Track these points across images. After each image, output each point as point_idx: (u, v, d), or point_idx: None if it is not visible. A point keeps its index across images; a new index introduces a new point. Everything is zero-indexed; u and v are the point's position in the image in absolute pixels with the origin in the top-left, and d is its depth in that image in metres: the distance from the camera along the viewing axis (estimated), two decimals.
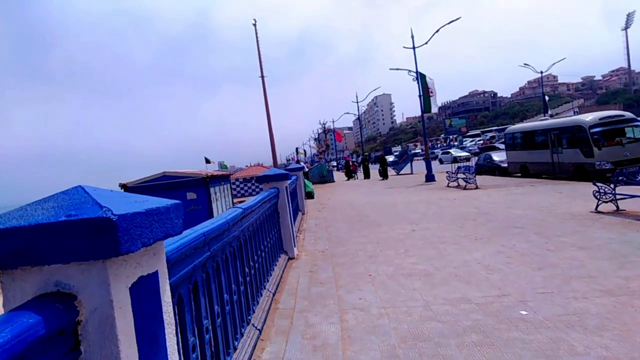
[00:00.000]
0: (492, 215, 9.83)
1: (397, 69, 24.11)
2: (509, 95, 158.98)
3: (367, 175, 30.93)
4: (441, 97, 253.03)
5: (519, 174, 21.40)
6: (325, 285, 5.34)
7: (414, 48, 22.64)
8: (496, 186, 16.48)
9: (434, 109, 23.33)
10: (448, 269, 5.71)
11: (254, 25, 39.40)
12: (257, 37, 39.34)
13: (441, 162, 38.10)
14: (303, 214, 12.24)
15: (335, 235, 8.87)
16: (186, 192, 14.32)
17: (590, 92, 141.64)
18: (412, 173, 31.58)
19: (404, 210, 11.75)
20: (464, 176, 17.63)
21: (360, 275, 5.73)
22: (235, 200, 44.54)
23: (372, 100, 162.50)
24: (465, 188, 16.51)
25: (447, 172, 19.09)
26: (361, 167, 32.99)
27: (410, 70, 23.10)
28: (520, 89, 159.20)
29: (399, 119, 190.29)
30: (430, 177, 22.00)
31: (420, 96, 22.88)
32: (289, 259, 6.75)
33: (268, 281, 5.15)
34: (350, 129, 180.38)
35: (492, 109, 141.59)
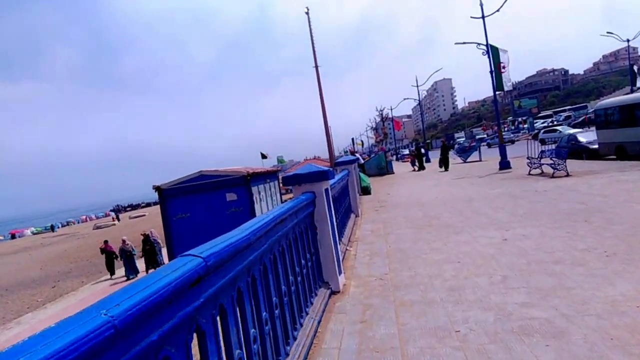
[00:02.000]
0: (609, 213, 7.25)
1: (464, 43, 21.25)
2: (582, 72, 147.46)
3: (421, 167, 28.21)
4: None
5: (614, 157, 18.05)
6: (385, 356, 3.23)
7: (483, 17, 19.71)
8: (592, 172, 13.53)
9: (507, 86, 20.31)
10: (589, 320, 3.42)
11: (307, 13, 37.85)
12: (310, 26, 37.75)
13: (543, 142, 31.75)
14: (357, 216, 10.15)
15: (398, 249, 6.70)
16: (225, 193, 12.70)
17: None
18: (480, 160, 28.53)
19: (485, 208, 9.33)
20: (550, 161, 14.76)
21: (441, 331, 3.56)
22: (288, 196, 43.31)
23: (432, 85, 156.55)
24: (553, 176, 13.67)
25: (528, 158, 16.19)
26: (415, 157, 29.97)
27: (479, 44, 20.19)
28: (594, 64, 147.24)
29: (461, 103, 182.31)
30: (505, 164, 19.11)
31: (491, 72, 19.95)
32: (332, 293, 4.69)
33: (291, 345, 3.18)
34: (409, 116, 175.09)
35: (563, 88, 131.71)
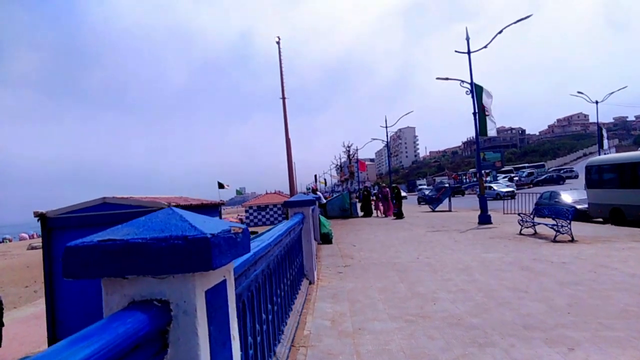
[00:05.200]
0: None
1: (447, 79, 18.93)
2: (537, 133, 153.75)
3: (367, 213, 25.29)
4: (466, 132, 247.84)
5: (602, 221, 15.95)
6: None
7: (469, 53, 17.53)
8: (600, 239, 11.06)
9: (492, 131, 18.01)
10: None
11: (278, 43, 35.94)
12: (280, 56, 35.76)
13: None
14: (310, 282, 6.88)
15: None
16: None
17: (624, 132, 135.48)
18: (450, 210, 26.09)
19: (499, 288, 6.33)
20: (549, 221, 12.19)
21: None
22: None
23: (396, 132, 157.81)
24: (555, 240, 11.05)
25: (520, 215, 13.60)
26: (361, 200, 26.75)
27: (463, 81, 17.92)
28: (549, 126, 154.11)
29: (422, 152, 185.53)
30: (485, 218, 16.55)
31: (474, 113, 17.61)
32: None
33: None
34: (372, 160, 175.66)
35: (520, 146, 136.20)
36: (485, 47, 17.73)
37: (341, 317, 5.18)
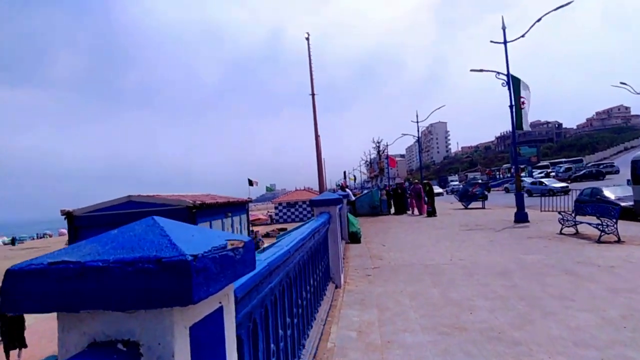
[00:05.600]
0: None
1: (482, 70, 18.13)
2: (575, 127, 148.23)
3: (398, 210, 24.22)
4: (499, 127, 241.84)
5: None
6: None
7: (505, 43, 16.73)
8: None
9: (526, 126, 17.14)
10: None
11: (307, 39, 35.81)
12: (309, 52, 35.60)
13: (530, 194, 30.35)
14: (337, 286, 6.51)
15: None
16: None
17: None
18: (483, 207, 25.22)
19: (542, 296, 5.78)
20: (593, 220, 11.43)
21: None
22: (276, 226, 39.50)
23: (427, 127, 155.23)
24: (600, 240, 10.33)
25: (560, 213, 12.85)
26: (392, 198, 25.33)
27: (499, 72, 17.13)
28: (587, 120, 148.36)
29: (454, 147, 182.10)
30: (522, 216, 15.79)
31: (511, 106, 16.81)
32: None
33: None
34: (402, 156, 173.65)
35: (556, 141, 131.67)
36: (522, 36, 16.89)
37: (369, 327, 4.80)
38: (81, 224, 9.12)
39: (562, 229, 12.33)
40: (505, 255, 9.08)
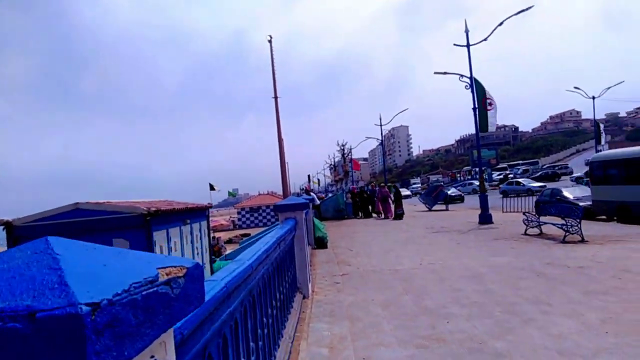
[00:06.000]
0: None
1: (445, 73, 18.19)
2: (530, 130, 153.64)
3: (364, 213, 23.67)
4: (460, 130, 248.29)
5: (607, 218, 15.38)
6: None
7: (468, 46, 16.83)
8: (611, 239, 10.42)
9: (492, 127, 17.31)
10: None
11: (269, 42, 35.36)
12: (272, 55, 35.16)
13: (506, 195, 29.00)
14: (304, 297, 6.09)
15: None
16: (112, 239, 8.43)
17: (616, 128, 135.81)
18: (447, 209, 25.46)
19: (517, 301, 5.52)
20: (557, 221, 11.50)
21: None
22: (239, 232, 38.59)
23: (390, 131, 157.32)
24: (564, 240, 10.38)
25: (525, 214, 12.92)
26: (357, 201, 24.33)
27: (462, 75, 17.23)
28: (542, 123, 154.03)
29: (416, 151, 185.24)
30: (486, 218, 15.86)
31: (474, 109, 16.92)
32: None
33: None
34: (365, 159, 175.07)
35: (513, 144, 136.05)
36: (485, 39, 17.05)
37: (341, 341, 4.40)
38: (21, 234, 8.32)
39: (526, 230, 12.38)
40: (474, 258, 8.91)
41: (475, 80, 17.09)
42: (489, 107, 16.90)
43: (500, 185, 42.30)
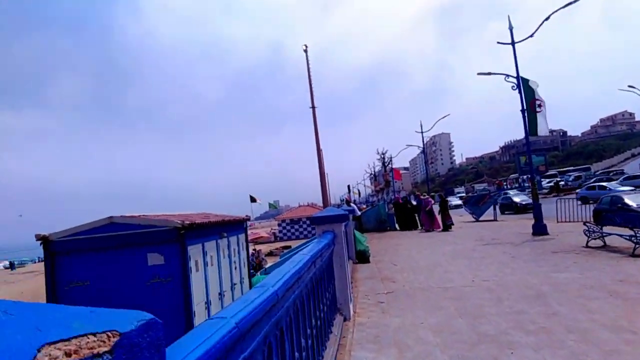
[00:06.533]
0: None
1: (490, 73, 17.31)
2: (579, 134, 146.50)
3: (408, 225, 22.12)
4: (505, 136, 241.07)
5: None
6: None
7: (513, 43, 15.91)
8: None
9: (543, 130, 16.20)
10: None
11: (305, 51, 35.34)
12: (308, 64, 35.09)
13: (586, 201, 24.49)
14: (346, 319, 5.51)
15: None
16: (147, 253, 8.19)
17: None
18: (495, 219, 24.12)
19: (594, 327, 4.73)
20: (625, 231, 10.39)
21: None
22: (280, 244, 38.41)
23: (431, 139, 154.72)
24: (634, 254, 9.31)
25: (586, 224, 11.83)
26: (402, 212, 22.82)
27: (508, 75, 16.29)
28: (591, 127, 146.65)
29: (458, 159, 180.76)
30: (540, 229, 14.75)
31: (522, 111, 15.91)
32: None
33: None
34: (406, 169, 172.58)
35: (561, 149, 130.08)
36: (531, 35, 16.05)
37: None
38: (57, 250, 8.21)
39: (588, 242, 11.30)
40: (534, 273, 8.05)
41: (523, 79, 16.10)
42: (538, 109, 15.83)
43: (578, 191, 38.46)
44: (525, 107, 15.90)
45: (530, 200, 35.78)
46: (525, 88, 16.03)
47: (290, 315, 2.71)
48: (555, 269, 8.41)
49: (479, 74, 17.75)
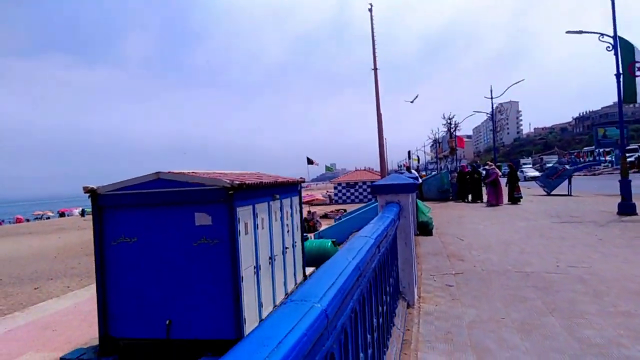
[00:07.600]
0: None
1: (581, 32, 15.22)
2: None
3: (462, 197, 20.57)
4: (579, 107, 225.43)
5: None
6: None
7: None
8: None
9: None
10: None
11: (370, 10, 33.46)
12: (372, 24, 33.25)
13: None
14: (409, 305, 4.68)
15: None
16: (194, 212, 7.70)
17: None
18: (569, 194, 21.99)
19: None
20: None
21: None
22: (335, 207, 37.95)
23: (497, 107, 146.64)
24: None
25: None
26: (467, 182, 20.80)
27: (602, 34, 14.19)
28: None
29: (526, 129, 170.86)
30: (628, 208, 13.03)
31: (617, 75, 13.90)
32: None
33: None
34: (469, 137, 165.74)
35: None
36: None
37: None
38: (105, 203, 7.91)
39: None
40: (632, 262, 6.78)
41: (622, 39, 13.99)
42: (638, 73, 13.75)
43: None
44: (622, 71, 13.86)
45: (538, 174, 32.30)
46: (623, 49, 13.94)
47: (352, 321, 1.91)
48: None
49: (567, 32, 15.63)
